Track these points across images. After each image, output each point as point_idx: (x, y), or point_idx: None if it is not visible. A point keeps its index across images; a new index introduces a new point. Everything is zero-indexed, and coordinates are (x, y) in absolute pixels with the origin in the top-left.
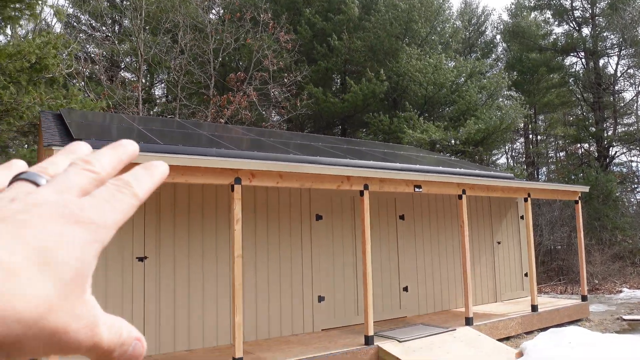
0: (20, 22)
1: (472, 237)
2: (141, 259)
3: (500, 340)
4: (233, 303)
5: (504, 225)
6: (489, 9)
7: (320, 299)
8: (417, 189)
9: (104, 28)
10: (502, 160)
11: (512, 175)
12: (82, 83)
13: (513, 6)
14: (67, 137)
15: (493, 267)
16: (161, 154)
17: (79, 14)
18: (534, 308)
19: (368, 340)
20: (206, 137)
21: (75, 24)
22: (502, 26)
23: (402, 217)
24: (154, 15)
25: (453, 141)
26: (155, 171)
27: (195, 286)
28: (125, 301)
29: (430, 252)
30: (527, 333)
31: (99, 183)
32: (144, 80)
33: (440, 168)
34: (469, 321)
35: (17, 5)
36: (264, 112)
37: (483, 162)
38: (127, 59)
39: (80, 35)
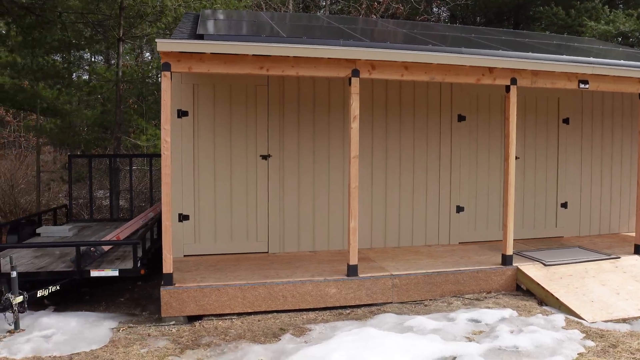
0: None
1: None
2: (265, 157)
3: None
4: (349, 206)
5: None
6: None
7: (459, 209)
8: (582, 85)
9: None
10: None
11: None
12: None
13: None
14: (194, 35)
15: None
16: (274, 44)
17: None
18: None
19: (506, 260)
20: (342, 30)
21: None
22: None
23: (566, 121)
24: None
25: None
26: None
27: (321, 186)
28: (250, 198)
29: (600, 164)
30: None
31: None
32: None
33: (616, 61)
34: (639, 249)
35: None
36: (418, 6)
37: None
38: None
39: None
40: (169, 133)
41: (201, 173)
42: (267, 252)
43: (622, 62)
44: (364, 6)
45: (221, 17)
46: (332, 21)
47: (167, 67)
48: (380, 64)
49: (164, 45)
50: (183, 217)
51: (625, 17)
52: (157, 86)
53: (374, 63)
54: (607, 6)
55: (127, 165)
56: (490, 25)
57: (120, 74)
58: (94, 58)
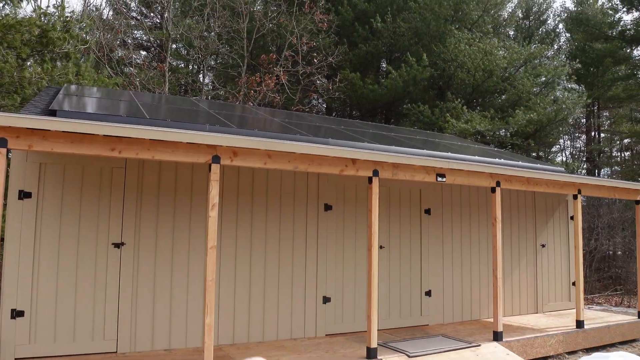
0: None
1: (511, 238)
2: (117, 245)
3: None
4: (204, 301)
5: (550, 225)
6: None
7: (326, 299)
8: (440, 178)
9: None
10: (561, 158)
11: (563, 169)
12: (102, 61)
13: None
14: (47, 111)
15: (535, 272)
16: (129, 125)
17: None
18: (580, 324)
19: (370, 353)
20: (210, 115)
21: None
22: (565, 14)
23: (427, 212)
24: None
25: (503, 132)
26: None
27: (180, 277)
28: (98, 291)
29: (460, 252)
30: (570, 353)
31: None
32: (184, 65)
33: (471, 157)
34: (497, 336)
35: None
36: (293, 97)
37: (540, 159)
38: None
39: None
40: None
41: (42, 262)
42: (116, 352)
43: (475, 157)
44: (241, 93)
45: (84, 93)
46: (204, 106)
47: (3, 143)
48: (242, 151)
49: (0, 119)
50: (17, 313)
51: (481, 118)
52: None
53: (236, 150)
54: (465, 107)
55: None
56: (364, 119)
57: None
58: None
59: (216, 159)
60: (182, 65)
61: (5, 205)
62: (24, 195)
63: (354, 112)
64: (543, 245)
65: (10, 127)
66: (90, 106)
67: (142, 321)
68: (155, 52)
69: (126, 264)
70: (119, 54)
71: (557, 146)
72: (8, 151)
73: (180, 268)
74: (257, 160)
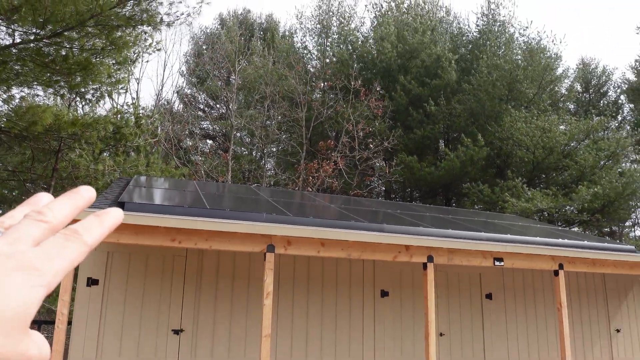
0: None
1: (582, 323)
2: (177, 332)
3: None
4: None
5: (624, 308)
6: (610, 68)
7: None
8: (497, 263)
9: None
10: (635, 232)
11: (633, 247)
12: (171, 152)
13: (638, 63)
14: (116, 203)
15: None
16: (187, 217)
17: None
18: None
19: None
20: (264, 202)
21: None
22: (625, 85)
23: (489, 297)
24: (246, 85)
25: (568, 208)
26: (106, 218)
27: None
28: None
29: (526, 339)
30: None
31: (51, 232)
32: (247, 152)
33: (531, 238)
34: None
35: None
36: (351, 181)
37: (614, 235)
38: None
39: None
40: (67, 305)
41: (105, 346)
42: None
43: (536, 239)
44: (300, 179)
45: (152, 184)
46: (264, 194)
47: None
48: (296, 240)
49: None
50: None
51: (542, 195)
52: None
53: (290, 239)
54: (526, 185)
55: None
56: (424, 200)
57: None
58: None
59: (271, 248)
60: (246, 152)
61: (74, 290)
62: (91, 282)
63: (414, 193)
64: (618, 330)
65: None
66: (156, 198)
67: None
68: (220, 140)
69: (184, 350)
70: (187, 144)
71: (631, 220)
72: None
73: (237, 356)
74: (311, 248)
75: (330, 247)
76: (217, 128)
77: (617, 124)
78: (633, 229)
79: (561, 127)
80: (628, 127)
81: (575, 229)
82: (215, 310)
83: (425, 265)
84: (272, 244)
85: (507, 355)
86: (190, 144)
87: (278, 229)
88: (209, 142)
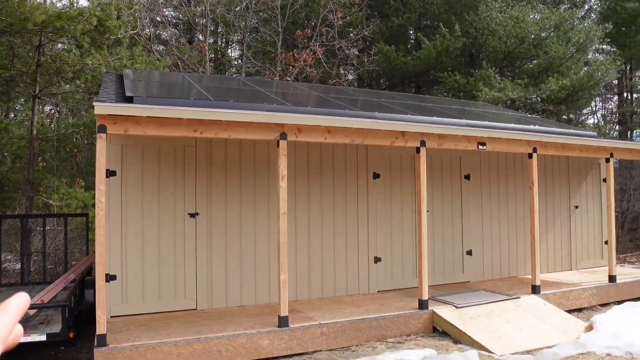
0: None
1: (546, 200)
2: (192, 215)
3: (570, 311)
4: (278, 261)
5: (583, 188)
6: None
7: (377, 259)
8: (480, 147)
9: None
10: (592, 120)
11: (596, 134)
12: (148, 44)
13: None
14: (122, 96)
15: (569, 232)
16: (208, 108)
17: None
18: (612, 279)
19: (422, 305)
20: (263, 93)
21: None
22: None
23: (467, 177)
24: None
25: (535, 97)
26: (9, 309)
27: (247, 243)
28: (178, 256)
29: (498, 214)
30: (603, 305)
31: None
32: (213, 41)
33: (509, 124)
34: (535, 289)
35: None
36: (330, 70)
37: (571, 122)
38: (201, 21)
39: None
40: (104, 193)
41: (129, 232)
42: (196, 309)
43: (512, 125)
44: (279, 69)
45: (144, 77)
46: (250, 83)
47: (102, 129)
48: (306, 128)
49: (101, 108)
50: (110, 277)
51: (513, 85)
52: (73, 144)
53: (301, 127)
54: (498, 75)
55: (39, 225)
56: (394, 89)
57: (34, 131)
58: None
59: (284, 136)
60: (212, 41)
61: (95, 183)
62: (110, 173)
63: (385, 82)
64: (576, 207)
65: (108, 114)
66: (161, 91)
67: (217, 282)
68: (183, 28)
69: (200, 231)
70: (148, 32)
71: (589, 109)
72: (107, 136)
73: (248, 235)
74: (319, 135)
75: (335, 134)
76: (181, 15)
77: (583, 14)
78: (591, 117)
79: (531, 17)
80: (593, 15)
81: (534, 116)
82: (226, 195)
83: (418, 150)
84: (285, 132)
85: (481, 228)
86: (152, 32)
87: (290, 117)
88: (172, 30)
